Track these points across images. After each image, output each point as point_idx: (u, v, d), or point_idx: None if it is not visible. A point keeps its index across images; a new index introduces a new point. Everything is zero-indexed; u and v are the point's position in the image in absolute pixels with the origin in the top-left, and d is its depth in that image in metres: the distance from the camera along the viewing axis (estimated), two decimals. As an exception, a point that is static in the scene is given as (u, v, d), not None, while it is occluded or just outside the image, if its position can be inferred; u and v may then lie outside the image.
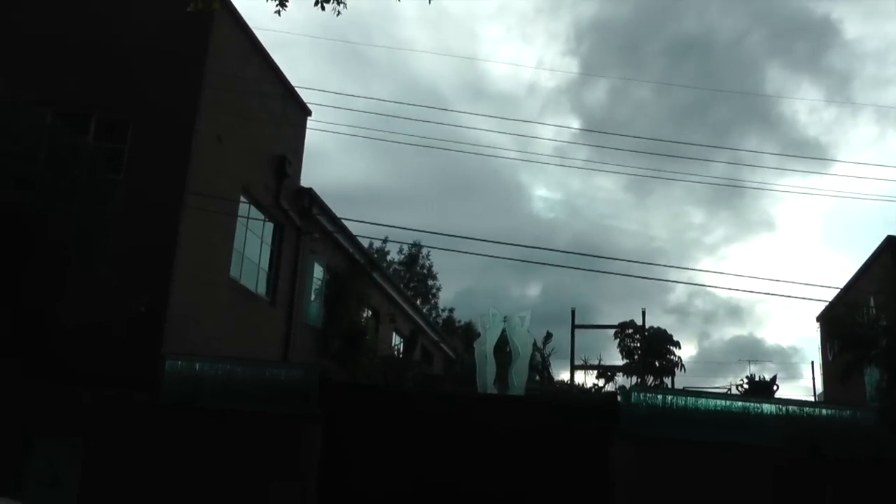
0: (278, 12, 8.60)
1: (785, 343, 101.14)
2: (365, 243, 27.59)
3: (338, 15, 8.94)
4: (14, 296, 11.44)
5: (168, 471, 13.69)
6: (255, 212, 18.83)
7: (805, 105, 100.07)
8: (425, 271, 49.17)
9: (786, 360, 74.25)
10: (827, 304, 21.99)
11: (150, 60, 16.03)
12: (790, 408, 14.28)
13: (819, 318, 32.50)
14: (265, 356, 18.08)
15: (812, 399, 32.52)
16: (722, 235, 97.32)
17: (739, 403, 14.59)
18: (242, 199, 18.08)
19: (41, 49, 16.12)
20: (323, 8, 8.75)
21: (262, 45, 18.81)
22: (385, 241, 41.74)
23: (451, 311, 49.49)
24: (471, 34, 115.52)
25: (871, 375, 14.62)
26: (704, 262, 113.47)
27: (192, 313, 15.53)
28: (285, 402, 14.48)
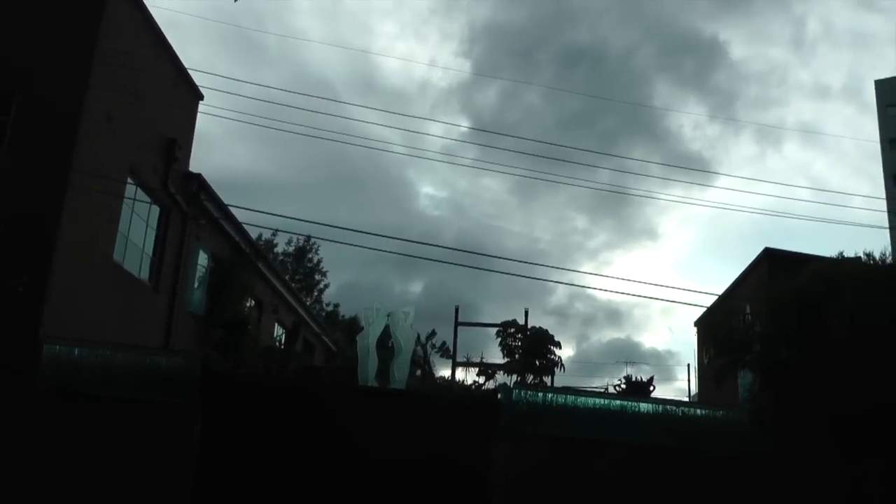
0: (186, -7, 8.45)
1: (661, 347, 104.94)
2: (254, 233, 27.24)
3: (235, 1, 8.85)
4: None
5: (41, 458, 13.21)
6: (141, 194, 18.33)
7: (690, 120, 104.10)
8: (311, 265, 48.83)
9: (662, 363, 77.11)
10: (705, 309, 23.01)
11: (40, 31, 15.41)
12: (666, 406, 14.93)
13: (697, 323, 33.94)
14: (146, 343, 17.64)
15: (687, 399, 33.92)
16: (604, 241, 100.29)
17: (618, 402, 15.15)
18: (129, 180, 17.57)
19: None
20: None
21: (156, 24, 18.34)
22: (275, 232, 41.28)
23: (336, 305, 49.39)
24: (365, 28, 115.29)
25: (745, 378, 15.42)
26: (586, 266, 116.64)
27: (73, 296, 15.02)
28: (165, 390, 14.19)
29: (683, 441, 14.33)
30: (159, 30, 18.49)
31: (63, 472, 13.25)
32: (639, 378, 20.91)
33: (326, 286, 50.42)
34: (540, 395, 15.31)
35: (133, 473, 13.48)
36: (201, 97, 21.03)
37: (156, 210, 19.36)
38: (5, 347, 13.42)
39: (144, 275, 18.93)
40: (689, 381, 39.27)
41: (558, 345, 27.93)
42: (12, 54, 15.29)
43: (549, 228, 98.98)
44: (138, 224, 18.40)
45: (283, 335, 30.90)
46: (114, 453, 13.52)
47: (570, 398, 15.11)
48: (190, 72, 20.26)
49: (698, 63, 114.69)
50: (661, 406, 14.98)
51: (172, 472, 13.71)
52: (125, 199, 17.38)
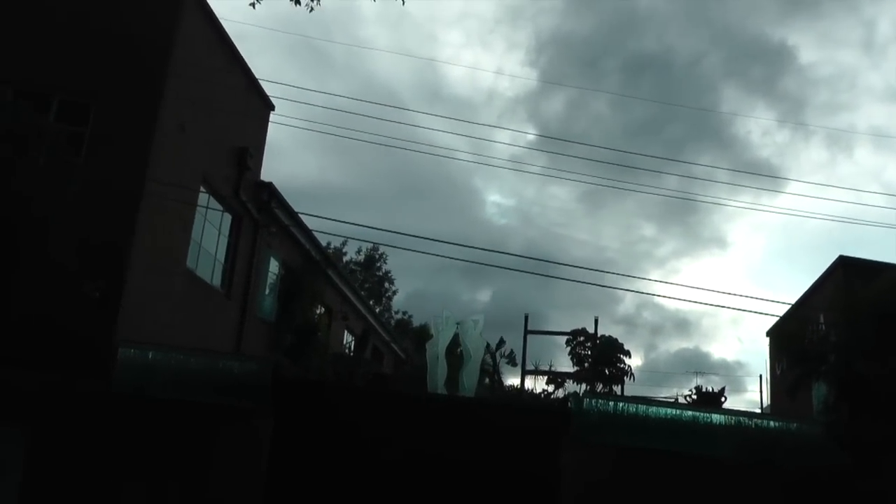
0: (253, 5, 8.58)
1: (730, 357, 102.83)
2: (324, 241, 27.51)
3: (311, 11, 8.95)
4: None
5: (116, 461, 13.47)
6: (214, 203, 18.66)
7: (759, 126, 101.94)
8: (380, 274, 49.15)
9: (731, 373, 75.60)
10: (777, 319, 22.45)
11: (116, 44, 15.80)
12: (739, 418, 14.55)
13: (769, 333, 33.19)
14: (218, 348, 17.91)
15: (759, 411, 33.14)
16: (672, 249, 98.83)
17: (689, 413, 14.80)
18: (202, 189, 17.91)
19: (3, 27, 15.83)
20: (298, 3, 8.75)
21: (228, 36, 18.67)
22: (345, 241, 41.77)
23: (405, 313, 49.58)
24: (430, 37, 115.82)
25: (819, 390, 14.98)
26: (654, 275, 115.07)
27: (147, 301, 15.34)
28: (238, 394, 14.32)
29: (757, 454, 13.92)
30: (231, 41, 18.82)
31: (138, 474, 13.49)
32: (710, 389, 20.46)
33: (395, 293, 50.74)
34: (611, 404, 15.06)
35: (206, 477, 13.67)
36: (272, 107, 21.32)
37: (228, 218, 19.68)
38: (83, 352, 13.72)
39: (217, 281, 19.24)
40: (760, 392, 38.41)
41: (628, 354, 27.61)
42: (89, 67, 15.72)
43: (616, 237, 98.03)
44: (211, 232, 18.73)
45: (353, 342, 31.12)
46: (188, 456, 13.72)
47: (642, 408, 14.83)
48: (260, 82, 20.57)
49: (766, 68, 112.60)
50: (733, 417, 14.59)
51: (245, 476, 13.86)
52: (198, 208, 17.69)
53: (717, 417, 14.55)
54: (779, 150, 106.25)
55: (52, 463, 13.44)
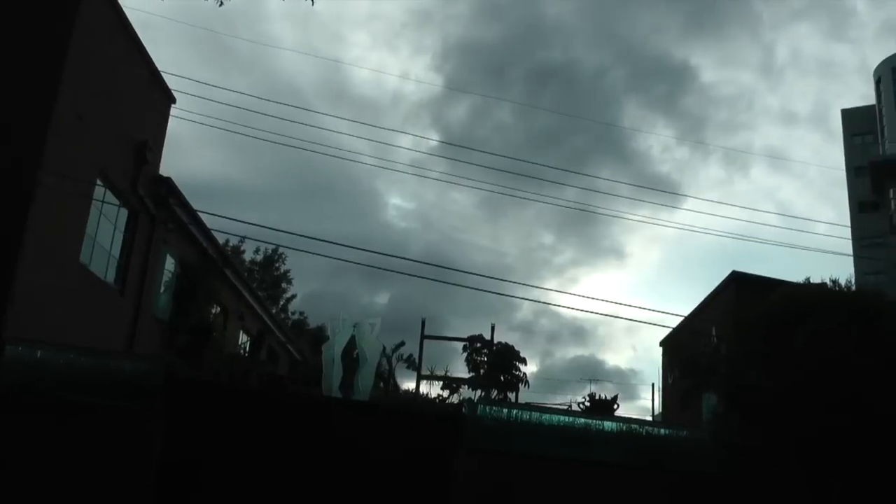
0: (161, -5, 8.42)
1: (624, 365, 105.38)
2: (222, 239, 27.06)
3: (220, 5, 8.84)
4: None
5: (1, 462, 13.01)
6: (110, 196, 18.14)
7: (659, 142, 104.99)
8: (278, 274, 48.61)
9: (625, 381, 77.52)
10: (671, 330, 23.18)
11: (12, 29, 15.23)
12: (631, 426, 14.99)
13: (662, 343, 34.23)
14: (111, 346, 17.45)
15: (650, 419, 34.15)
16: (570, 258, 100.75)
17: (582, 420, 15.19)
18: (99, 182, 17.38)
19: None
20: (205, -3, 8.63)
21: (130, 25, 18.18)
22: (243, 239, 41.07)
23: (302, 314, 49.13)
24: (337, 37, 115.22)
25: (709, 400, 15.56)
26: (552, 282, 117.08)
27: (38, 297, 14.81)
28: (129, 395, 13.96)
29: (647, 460, 14.39)
30: (133, 31, 18.34)
31: (23, 476, 13.02)
32: (603, 396, 20.99)
33: (294, 296, 50.29)
34: (505, 410, 15.30)
35: (95, 479, 13.28)
36: (174, 100, 20.89)
37: (124, 213, 19.16)
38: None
39: (111, 277, 18.72)
40: (653, 400, 39.63)
41: (524, 361, 28.07)
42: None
43: (516, 244, 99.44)
44: (106, 226, 18.20)
45: (249, 343, 30.71)
46: (76, 458, 13.30)
47: (535, 415, 15.11)
48: (162, 74, 20.12)
49: (668, 85, 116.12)
50: (625, 425, 15.04)
51: (135, 479, 13.52)
52: (94, 201, 17.18)
53: (608, 424, 14.97)
54: (678, 166, 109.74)
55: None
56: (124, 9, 17.73)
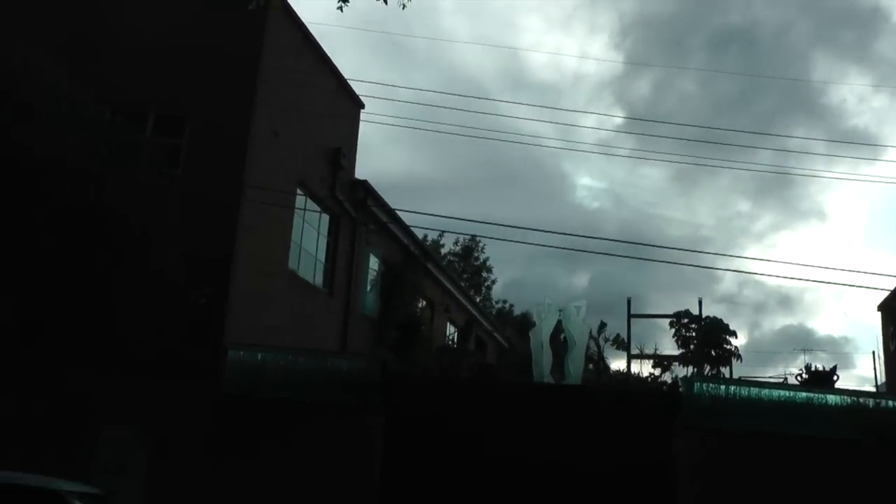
0: (341, 8, 8.55)
1: (836, 333, 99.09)
2: (421, 235, 27.67)
3: (403, 8, 8.85)
4: (79, 291, 11.63)
5: (231, 459, 13.87)
6: (311, 204, 18.98)
7: (853, 94, 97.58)
8: (478, 263, 49.15)
9: (838, 349, 72.82)
10: (889, 293, 21.39)
11: (206, 57, 16.19)
12: (857, 398, 14.00)
13: (881, 308, 31.82)
14: (323, 347, 18.23)
15: (872, 389, 31.84)
16: (770, 223, 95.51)
17: (803, 394, 14.33)
18: (299, 191, 18.23)
19: (98, 47, 16.32)
20: (386, 1, 8.68)
21: (314, 39, 18.89)
22: (441, 233, 42.00)
23: (504, 302, 49.43)
24: (511, 25, 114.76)
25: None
26: (752, 250, 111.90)
27: (252, 305, 15.72)
28: (347, 392, 14.54)
29: (876, 436, 13.36)
30: (317, 44, 19.05)
31: (251, 473, 13.83)
32: (820, 367, 19.65)
33: (494, 282, 50.62)
34: (722, 387, 14.74)
35: (320, 475, 13.89)
36: (362, 105, 21.51)
37: (326, 218, 19.98)
38: (193, 357, 14.11)
39: (319, 281, 19.57)
40: (874, 369, 36.84)
41: (733, 334, 26.85)
42: (182, 82, 16.15)
43: (711, 214, 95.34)
44: (310, 233, 19.05)
45: (456, 334, 31.20)
46: (301, 455, 13.99)
47: (754, 390, 14.42)
48: (348, 81, 20.74)
49: (859, 32, 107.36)
50: (849, 397, 14.05)
51: (359, 474, 14.02)
52: (296, 210, 17.99)
53: (832, 398, 14.03)
54: (876, 117, 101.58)
55: (172, 461, 13.95)
56: (306, 24, 18.41)
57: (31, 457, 12.19)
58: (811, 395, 14.29)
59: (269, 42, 16.71)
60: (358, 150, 21.74)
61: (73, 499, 9.88)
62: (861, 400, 14.01)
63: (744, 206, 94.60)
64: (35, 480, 10.06)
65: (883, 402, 14.16)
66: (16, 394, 12.88)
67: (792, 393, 14.30)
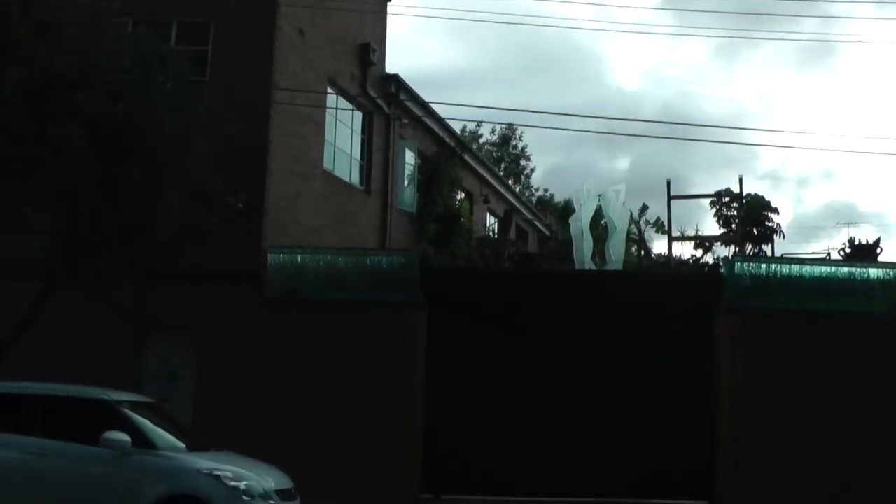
0: None
1: (883, 207, 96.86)
2: (457, 126, 27.37)
3: None
4: (115, 204, 11.76)
5: (278, 361, 14.21)
6: (342, 102, 18.81)
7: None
8: (517, 151, 48.71)
9: (885, 222, 71.56)
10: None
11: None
12: (899, 271, 13.83)
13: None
14: (363, 244, 18.39)
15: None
16: (812, 94, 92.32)
17: (845, 269, 14.18)
18: (329, 90, 18.05)
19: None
20: None
21: (337, -70, 18.37)
22: (479, 123, 41.57)
23: (545, 190, 49.10)
24: None
25: None
26: (795, 124, 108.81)
27: (290, 207, 15.83)
28: (388, 289, 14.66)
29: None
30: (341, -65, 18.50)
31: (296, 374, 14.17)
32: (864, 241, 19.29)
33: (533, 170, 50.22)
34: (763, 266, 14.64)
35: (364, 373, 14.18)
36: (389, -1, 21.06)
37: (359, 115, 19.83)
38: (233, 262, 14.31)
39: (355, 179, 19.59)
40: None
41: (776, 211, 26.35)
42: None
43: (753, 88, 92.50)
44: (343, 131, 18.95)
45: (496, 224, 31.23)
46: (345, 354, 14.27)
47: (795, 268, 14.34)
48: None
49: None
50: (892, 270, 13.84)
51: (404, 369, 14.29)
52: (328, 109, 17.87)
53: (874, 271, 13.87)
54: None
55: (219, 365, 14.33)
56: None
57: (81, 369, 12.54)
58: (853, 269, 14.14)
59: (290, -64, 16.27)
60: (388, 46, 21.40)
61: (123, 408, 10.24)
62: (904, 272, 13.82)
63: (787, 77, 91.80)
64: (85, 392, 10.40)
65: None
66: (63, 309, 13.18)
67: (833, 268, 14.18)
